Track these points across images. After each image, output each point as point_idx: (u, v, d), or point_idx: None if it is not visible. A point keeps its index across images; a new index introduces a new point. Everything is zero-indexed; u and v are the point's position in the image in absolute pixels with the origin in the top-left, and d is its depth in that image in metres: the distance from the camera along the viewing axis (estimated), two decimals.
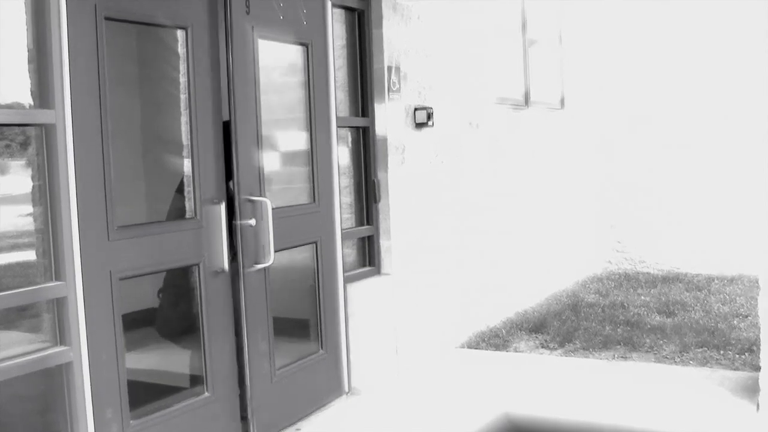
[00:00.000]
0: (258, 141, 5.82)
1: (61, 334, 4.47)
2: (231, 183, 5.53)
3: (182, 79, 5.31)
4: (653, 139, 12.21)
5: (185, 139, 5.34)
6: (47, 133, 4.39)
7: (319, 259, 6.46)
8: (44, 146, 4.41)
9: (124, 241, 4.76)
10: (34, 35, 4.38)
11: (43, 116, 4.36)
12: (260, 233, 5.62)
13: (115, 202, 4.68)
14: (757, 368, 6.25)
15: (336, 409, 6.55)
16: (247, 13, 5.64)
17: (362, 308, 6.88)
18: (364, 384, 6.87)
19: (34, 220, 4.51)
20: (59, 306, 4.45)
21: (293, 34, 6.19)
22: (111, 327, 4.65)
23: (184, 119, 5.33)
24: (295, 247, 6.28)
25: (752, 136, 6.60)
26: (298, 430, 6.14)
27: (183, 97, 5.32)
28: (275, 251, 5.71)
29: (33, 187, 4.49)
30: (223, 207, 5.33)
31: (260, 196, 5.73)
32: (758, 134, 6.08)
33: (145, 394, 5.34)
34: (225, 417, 5.50)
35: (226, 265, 5.37)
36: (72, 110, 4.41)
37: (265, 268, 5.75)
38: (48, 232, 4.44)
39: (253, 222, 5.59)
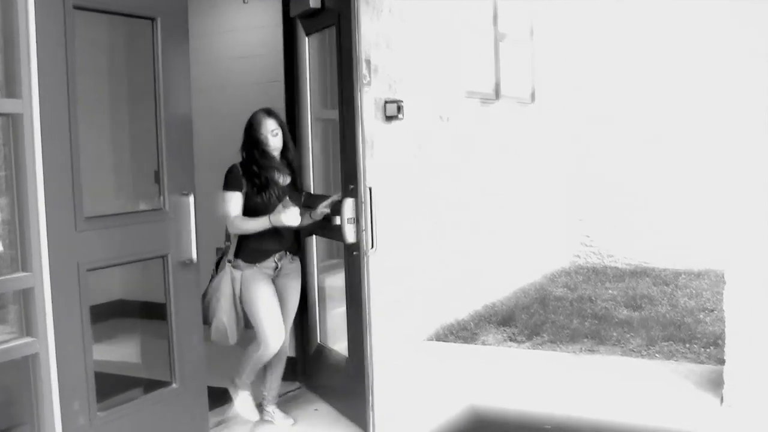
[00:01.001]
0: None
1: (27, 326, 4.43)
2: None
3: (151, 70, 5.27)
4: (623, 134, 12.27)
5: (155, 130, 5.30)
6: (14, 123, 4.35)
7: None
8: (11, 136, 4.37)
9: (91, 232, 4.73)
10: (1, 24, 4.34)
11: (10, 106, 4.32)
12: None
13: (83, 193, 4.65)
14: (722, 362, 6.31)
15: (303, 399, 6.57)
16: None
17: (335, 299, 6.88)
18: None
19: (1, 211, 4.47)
20: (26, 297, 4.41)
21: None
22: (78, 318, 4.62)
23: (153, 110, 5.29)
24: None
25: (720, 132, 6.66)
26: (267, 420, 6.17)
27: (152, 87, 5.28)
28: None
29: None
30: (191, 199, 5.30)
31: None
32: (726, 131, 6.13)
33: (112, 385, 5.32)
34: (192, 408, 5.48)
35: (194, 257, 5.34)
36: (40, 100, 4.37)
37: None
38: (15, 222, 4.40)
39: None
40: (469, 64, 9.67)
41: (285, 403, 6.45)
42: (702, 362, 7.35)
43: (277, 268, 6.00)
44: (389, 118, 7.53)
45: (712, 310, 9.05)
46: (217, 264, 6.09)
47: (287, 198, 5.73)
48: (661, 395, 6.53)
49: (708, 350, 7.63)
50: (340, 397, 6.40)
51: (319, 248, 6.92)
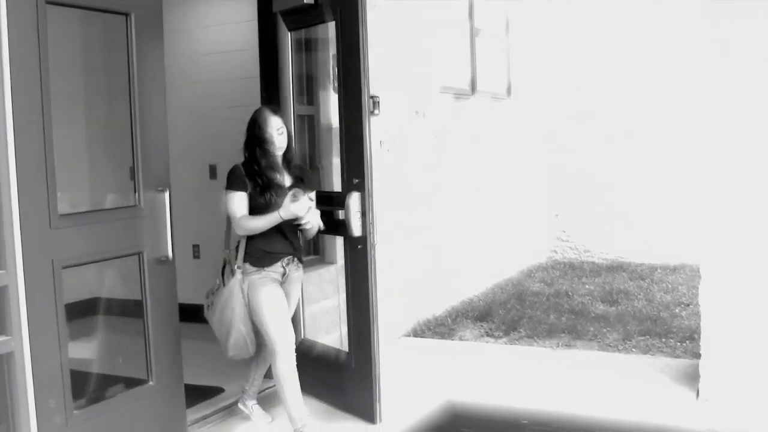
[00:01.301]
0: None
1: (1, 324, 4.40)
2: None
3: (126, 65, 5.24)
4: (599, 130, 12.30)
5: (129, 127, 5.28)
6: None
7: None
8: None
9: (66, 230, 4.70)
10: None
11: None
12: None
13: (57, 190, 4.62)
14: (698, 356, 6.34)
15: None
16: None
17: (307, 297, 6.87)
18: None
19: None
20: (0, 295, 4.40)
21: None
22: (53, 316, 4.59)
23: (128, 107, 5.26)
24: None
25: (694, 128, 6.69)
26: (244, 417, 6.14)
27: (127, 83, 5.25)
28: None
29: None
30: (167, 195, 5.28)
31: None
32: (700, 127, 6.15)
33: (88, 383, 5.30)
34: (169, 406, 5.46)
35: (170, 253, 5.32)
36: (12, 96, 4.33)
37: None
38: None
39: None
40: (445, 59, 9.68)
41: (263, 399, 6.43)
42: (678, 356, 7.38)
43: (284, 273, 5.73)
44: None
45: (688, 305, 9.09)
46: (222, 273, 5.83)
47: (296, 189, 5.49)
48: (638, 389, 6.55)
49: (684, 344, 7.67)
50: (336, 390, 6.37)
51: None
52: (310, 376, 6.42)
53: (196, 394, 6.14)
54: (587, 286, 10.51)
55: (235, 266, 5.65)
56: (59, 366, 4.64)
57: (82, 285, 7.04)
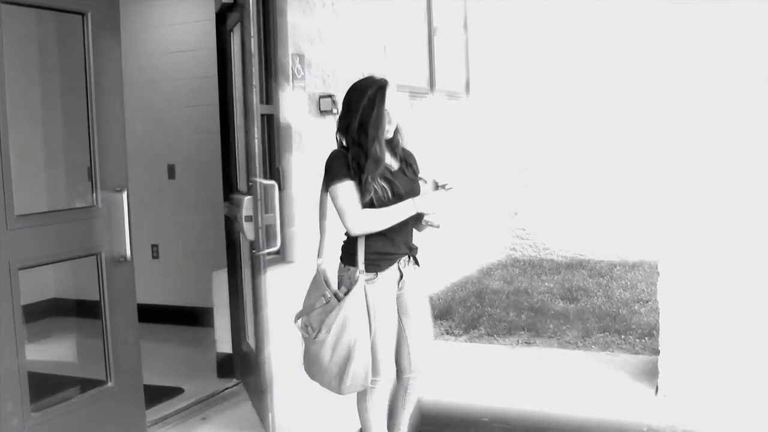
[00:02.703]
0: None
1: None
2: None
3: (83, 65, 5.21)
4: (556, 127, 12.34)
5: (86, 126, 5.24)
6: None
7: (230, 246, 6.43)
8: None
9: (23, 230, 4.67)
10: None
11: None
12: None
13: (13, 190, 4.58)
14: (656, 352, 6.40)
15: (243, 398, 6.54)
16: None
17: (268, 296, 6.85)
18: (273, 372, 6.84)
19: None
20: None
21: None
22: (10, 317, 4.56)
23: (85, 106, 5.23)
24: None
25: (652, 126, 6.73)
26: (203, 419, 6.13)
27: (84, 83, 5.22)
28: None
29: None
30: (125, 195, 5.26)
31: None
32: (659, 124, 6.20)
33: (47, 385, 5.26)
34: (129, 407, 5.44)
35: (128, 254, 5.30)
36: None
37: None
38: None
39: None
40: (402, 57, 9.67)
41: (222, 400, 6.41)
42: (637, 353, 7.43)
43: (401, 278, 4.74)
44: (324, 113, 7.51)
45: (647, 301, 9.14)
46: (328, 286, 4.70)
47: (434, 177, 4.82)
48: (597, 386, 6.59)
49: (643, 341, 7.71)
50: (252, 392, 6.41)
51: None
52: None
53: (156, 395, 6.11)
54: (546, 284, 10.55)
55: (357, 273, 4.56)
56: (16, 368, 4.60)
57: (40, 286, 7.00)
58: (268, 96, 7.03)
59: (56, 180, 7.43)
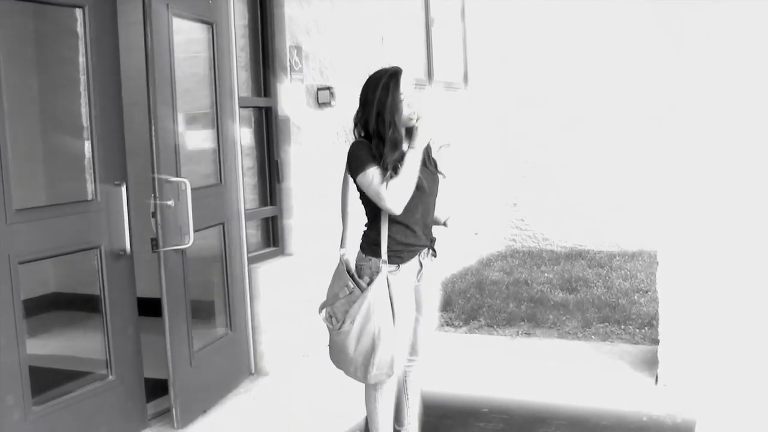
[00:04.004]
0: (174, 121, 5.67)
1: None
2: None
3: (81, 60, 5.21)
4: (555, 118, 12.32)
5: (85, 120, 5.25)
6: None
7: (226, 240, 6.40)
8: None
9: (22, 225, 4.68)
10: None
11: None
12: (179, 214, 5.54)
13: (12, 185, 4.59)
14: (656, 342, 6.41)
15: (243, 389, 6.55)
16: None
17: (266, 289, 6.86)
18: (270, 365, 6.85)
19: None
20: None
21: (200, 12, 6.08)
22: (11, 312, 4.57)
23: (83, 100, 5.24)
24: (206, 228, 6.20)
25: (652, 115, 6.73)
26: (204, 411, 6.11)
27: (82, 78, 5.22)
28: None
29: None
30: (124, 189, 5.26)
31: (178, 176, 5.64)
32: (657, 114, 6.20)
33: (48, 379, 5.27)
34: (129, 400, 5.45)
35: (128, 248, 5.30)
36: None
37: (182, 250, 5.68)
38: None
39: (171, 203, 5.51)
40: (400, 48, 9.66)
41: None
42: (637, 343, 7.44)
43: (420, 270, 4.80)
44: (322, 105, 7.51)
45: (646, 291, 9.14)
46: (351, 277, 4.63)
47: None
48: (597, 376, 6.60)
49: (643, 331, 7.71)
50: None
51: (250, 237, 6.89)
52: None
53: (157, 388, 6.11)
54: (546, 275, 10.55)
55: (380, 264, 4.54)
56: (17, 362, 4.62)
57: (41, 280, 7.00)
58: (266, 88, 7.03)
59: (55, 174, 7.42)
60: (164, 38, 5.57)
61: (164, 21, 5.54)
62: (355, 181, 4.58)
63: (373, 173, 4.44)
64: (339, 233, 4.76)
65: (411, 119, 4.54)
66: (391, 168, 4.42)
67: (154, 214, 5.49)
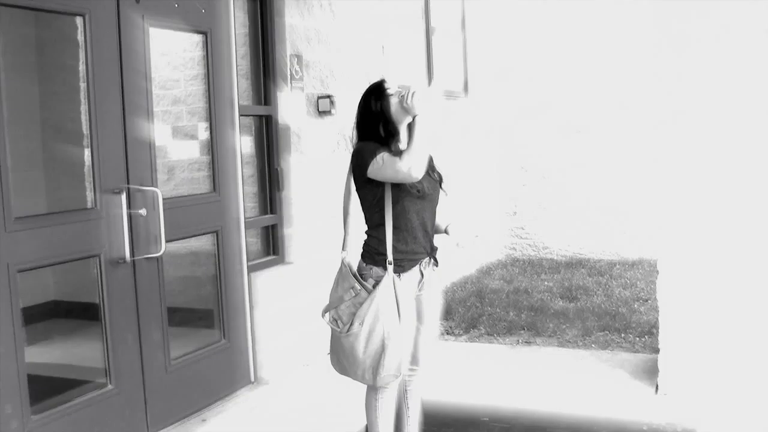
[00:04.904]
0: (149, 132, 5.66)
1: None
2: None
3: (81, 68, 5.21)
4: (555, 127, 12.33)
5: (85, 128, 5.25)
6: None
7: (220, 248, 6.39)
8: None
9: (22, 233, 4.67)
10: None
11: None
12: (151, 223, 5.53)
13: (11, 193, 4.58)
14: (656, 350, 6.40)
15: (242, 399, 6.52)
16: (137, 1, 5.51)
17: (266, 297, 6.85)
18: (270, 374, 6.85)
19: None
20: None
21: (190, 22, 6.08)
22: (9, 320, 4.56)
23: (83, 108, 5.24)
24: (193, 236, 6.19)
25: (652, 124, 6.73)
26: (203, 420, 6.10)
27: (82, 86, 5.22)
28: (170, 241, 5.67)
29: None
30: (123, 197, 5.26)
31: (151, 185, 5.62)
32: (657, 122, 6.20)
33: (46, 388, 5.25)
34: (129, 409, 5.44)
35: (127, 255, 5.30)
36: None
37: (157, 259, 5.67)
38: None
39: (144, 212, 5.50)
40: (400, 57, 9.66)
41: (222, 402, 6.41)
42: (637, 351, 7.43)
43: (421, 279, 4.77)
44: (322, 113, 7.51)
45: (647, 300, 9.14)
46: (357, 279, 4.60)
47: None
48: (597, 385, 6.59)
49: (643, 339, 7.71)
50: None
51: (250, 246, 6.88)
52: None
53: None
54: (546, 283, 10.55)
55: (387, 263, 4.56)
56: (16, 370, 4.61)
57: (40, 288, 7.00)
58: (267, 97, 7.04)
59: (55, 181, 7.42)
60: (139, 48, 5.55)
61: (139, 31, 5.52)
62: (363, 180, 4.63)
63: (383, 156, 4.48)
64: (339, 241, 4.76)
65: (402, 95, 4.59)
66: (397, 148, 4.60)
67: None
